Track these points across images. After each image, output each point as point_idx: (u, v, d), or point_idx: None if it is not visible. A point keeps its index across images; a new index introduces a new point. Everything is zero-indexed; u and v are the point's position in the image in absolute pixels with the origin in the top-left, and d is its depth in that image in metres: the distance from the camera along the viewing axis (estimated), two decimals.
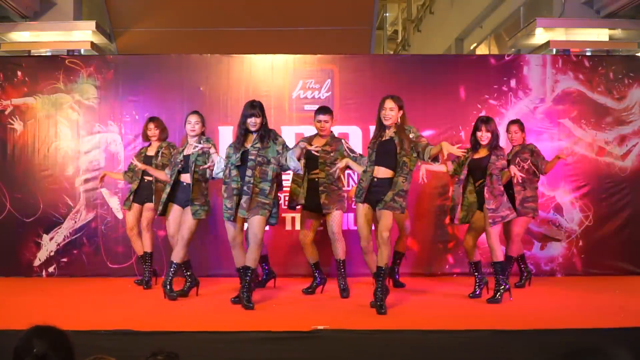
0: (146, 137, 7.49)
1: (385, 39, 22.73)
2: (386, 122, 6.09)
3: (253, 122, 6.25)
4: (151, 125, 7.43)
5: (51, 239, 8.15)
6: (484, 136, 6.49)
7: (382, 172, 6.05)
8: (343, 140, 6.91)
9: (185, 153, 6.78)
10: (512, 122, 7.48)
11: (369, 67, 8.44)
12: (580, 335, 4.66)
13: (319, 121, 6.84)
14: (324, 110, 6.91)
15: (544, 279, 7.81)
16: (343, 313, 5.83)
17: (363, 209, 6.13)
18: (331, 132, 6.96)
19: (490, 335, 4.70)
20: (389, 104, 6.07)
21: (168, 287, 6.57)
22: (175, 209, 6.82)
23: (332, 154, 6.74)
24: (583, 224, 8.28)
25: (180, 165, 6.76)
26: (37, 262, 8.13)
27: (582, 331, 4.78)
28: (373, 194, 6.04)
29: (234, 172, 6.21)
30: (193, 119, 6.83)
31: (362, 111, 8.19)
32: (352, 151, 6.75)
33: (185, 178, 6.73)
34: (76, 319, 5.49)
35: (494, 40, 13.34)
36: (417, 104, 8.01)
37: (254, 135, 6.30)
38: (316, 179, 6.75)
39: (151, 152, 7.38)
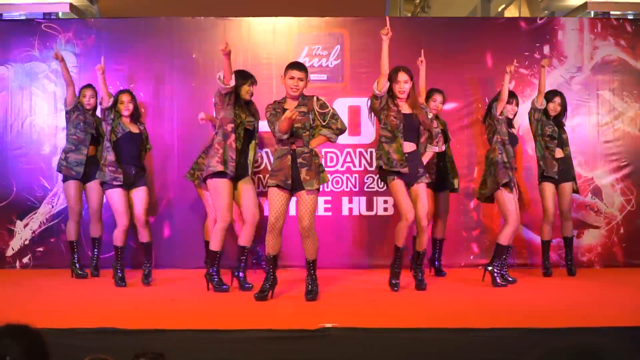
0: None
1: (402, 0, 22.58)
2: (402, 96, 6.52)
3: (249, 91, 6.78)
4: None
5: (25, 225, 8.15)
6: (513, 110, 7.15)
7: (408, 147, 6.47)
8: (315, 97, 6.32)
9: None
10: (437, 91, 7.52)
11: None
12: (618, 334, 4.61)
13: (292, 77, 6.12)
14: (298, 66, 6.30)
15: (580, 271, 7.74)
16: (352, 310, 5.82)
17: (402, 183, 6.41)
18: None
19: (514, 335, 4.62)
20: (403, 76, 6.47)
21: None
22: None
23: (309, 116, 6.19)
24: (625, 208, 8.24)
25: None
26: (9, 252, 8.15)
27: (621, 330, 4.73)
28: (409, 168, 6.38)
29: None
30: (88, 92, 7.54)
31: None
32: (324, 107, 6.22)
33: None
34: (53, 315, 5.47)
35: (524, 1, 13.23)
36: (438, 73, 7.94)
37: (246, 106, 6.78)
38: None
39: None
